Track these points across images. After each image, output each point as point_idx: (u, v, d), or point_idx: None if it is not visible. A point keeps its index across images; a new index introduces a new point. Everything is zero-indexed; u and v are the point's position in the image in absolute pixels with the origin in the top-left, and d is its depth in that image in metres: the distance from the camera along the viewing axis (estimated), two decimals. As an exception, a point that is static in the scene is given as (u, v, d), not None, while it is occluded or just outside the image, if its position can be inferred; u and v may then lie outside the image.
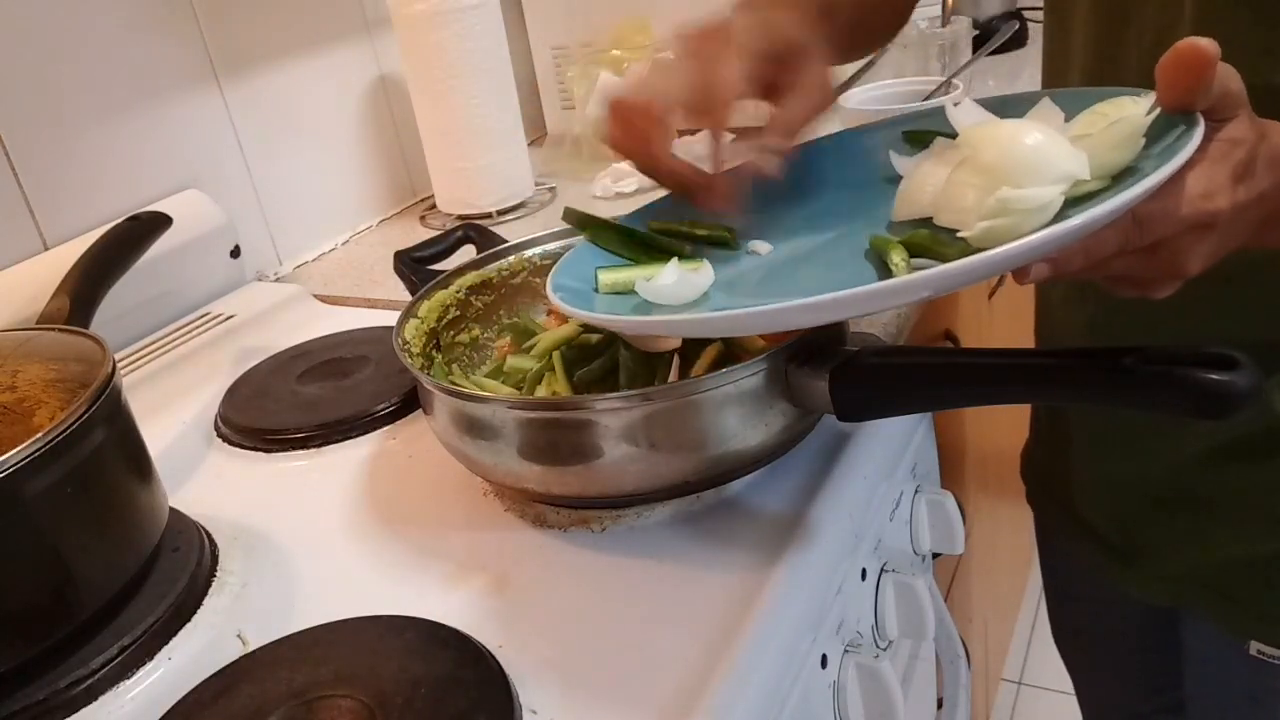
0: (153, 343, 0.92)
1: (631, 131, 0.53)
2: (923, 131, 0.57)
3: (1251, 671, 0.67)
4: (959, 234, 0.45)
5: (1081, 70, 0.63)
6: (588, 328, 0.65)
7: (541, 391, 0.65)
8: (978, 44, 1.32)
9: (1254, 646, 0.66)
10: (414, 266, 0.78)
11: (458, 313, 0.73)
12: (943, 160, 0.51)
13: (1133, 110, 0.45)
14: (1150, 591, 0.72)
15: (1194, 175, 0.41)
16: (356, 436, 0.74)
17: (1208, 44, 0.39)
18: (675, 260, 0.56)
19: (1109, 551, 0.74)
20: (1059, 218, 0.43)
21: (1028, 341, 0.82)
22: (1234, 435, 0.62)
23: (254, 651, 0.53)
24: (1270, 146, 0.44)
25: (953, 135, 0.51)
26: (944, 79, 1.11)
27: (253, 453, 0.74)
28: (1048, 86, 0.69)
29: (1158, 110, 0.43)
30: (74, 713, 0.51)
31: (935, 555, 0.77)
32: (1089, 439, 0.73)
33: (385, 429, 0.74)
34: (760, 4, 0.55)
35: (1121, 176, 0.44)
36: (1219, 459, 0.63)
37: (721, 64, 0.51)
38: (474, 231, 0.82)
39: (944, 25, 1.28)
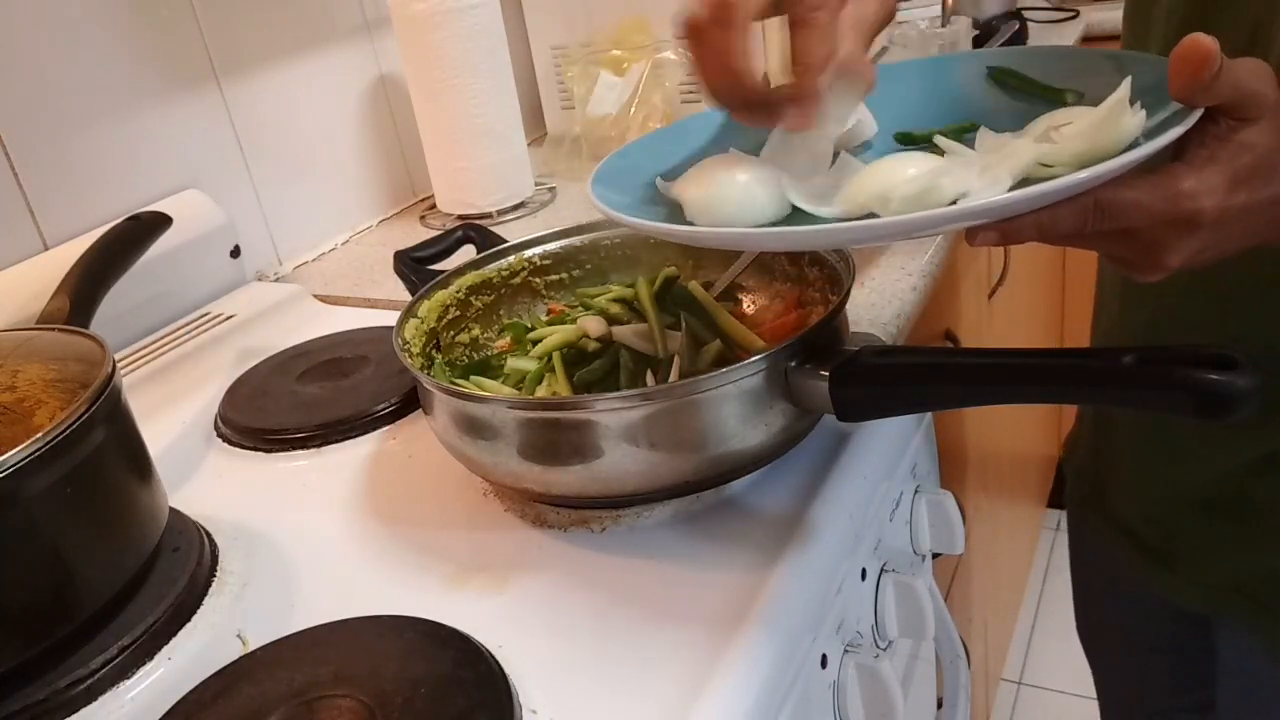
0: (153, 343, 0.92)
1: (709, 49, 0.47)
2: (1008, 70, 0.57)
3: None
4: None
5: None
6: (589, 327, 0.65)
7: (541, 392, 0.65)
8: (978, 44, 1.32)
9: None
10: (414, 266, 0.78)
11: (458, 313, 0.73)
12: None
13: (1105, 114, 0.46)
14: (1186, 597, 0.71)
15: (1190, 172, 0.42)
16: (356, 436, 0.74)
17: (1208, 41, 0.40)
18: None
19: (1146, 553, 0.73)
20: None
21: (1028, 341, 0.82)
22: None
23: (254, 651, 0.53)
24: None
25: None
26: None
27: (253, 453, 0.74)
28: None
29: (1129, 111, 0.44)
30: (74, 713, 0.51)
31: (935, 555, 0.77)
32: (1134, 440, 0.72)
33: (385, 429, 0.74)
34: None
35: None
36: (1266, 468, 0.62)
37: None
38: (474, 231, 0.82)
39: (944, 25, 1.29)
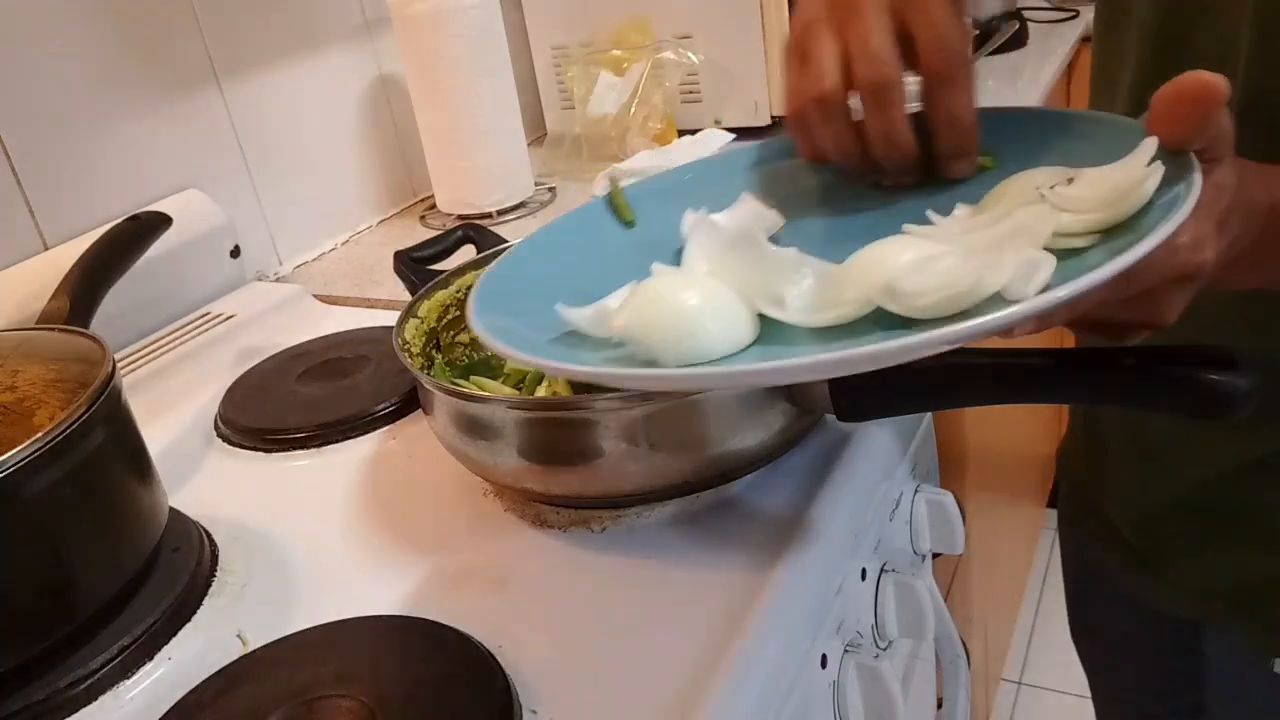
0: (153, 343, 0.92)
1: (837, 127, 0.48)
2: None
3: (1273, 689, 0.66)
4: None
5: (1129, 89, 0.61)
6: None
7: (541, 391, 0.65)
8: (978, 44, 1.32)
9: (1277, 664, 0.65)
10: (414, 266, 0.78)
11: (458, 313, 0.72)
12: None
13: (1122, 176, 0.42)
14: (1173, 602, 0.71)
15: (1183, 225, 0.39)
16: (356, 436, 0.74)
17: (1217, 79, 0.38)
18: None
19: (1134, 558, 0.73)
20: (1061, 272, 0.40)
21: (1028, 341, 0.81)
22: (1269, 450, 0.61)
23: (254, 651, 0.53)
24: (1246, 192, 0.42)
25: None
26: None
27: (253, 453, 0.74)
28: (1095, 102, 0.67)
29: (1158, 175, 0.40)
30: (74, 713, 0.51)
31: (935, 555, 0.77)
32: (1121, 445, 0.72)
33: (385, 429, 0.74)
34: None
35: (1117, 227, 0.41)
36: (1252, 474, 0.62)
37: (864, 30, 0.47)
38: (474, 231, 0.82)
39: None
